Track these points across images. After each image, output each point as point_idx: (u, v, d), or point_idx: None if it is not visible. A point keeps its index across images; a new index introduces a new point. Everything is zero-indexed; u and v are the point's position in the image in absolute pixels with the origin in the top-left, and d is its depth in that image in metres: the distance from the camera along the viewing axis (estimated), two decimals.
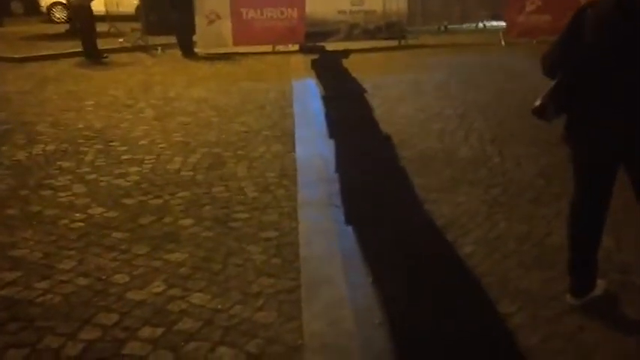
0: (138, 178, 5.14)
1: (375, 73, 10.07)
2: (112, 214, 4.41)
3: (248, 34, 12.38)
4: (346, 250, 3.85)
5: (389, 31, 13.32)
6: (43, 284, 3.41)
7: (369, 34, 13.23)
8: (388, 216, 4.39)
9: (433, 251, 3.86)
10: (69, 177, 5.18)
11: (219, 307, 3.18)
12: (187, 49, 12.08)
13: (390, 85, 8.95)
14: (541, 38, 12.81)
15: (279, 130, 6.57)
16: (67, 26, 15.77)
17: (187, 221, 4.27)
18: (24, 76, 10.01)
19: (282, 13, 12.62)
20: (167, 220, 4.29)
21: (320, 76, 9.95)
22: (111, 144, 6.12)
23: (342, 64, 11.16)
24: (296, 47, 12.88)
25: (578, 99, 2.79)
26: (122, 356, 2.78)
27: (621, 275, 3.45)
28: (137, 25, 13.78)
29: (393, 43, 13.29)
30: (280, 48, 12.65)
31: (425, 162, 5.49)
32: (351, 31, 13.13)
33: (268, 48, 12.59)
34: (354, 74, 10.03)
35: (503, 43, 13.26)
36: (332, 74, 10.33)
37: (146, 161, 5.56)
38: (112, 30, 14.13)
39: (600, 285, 3.19)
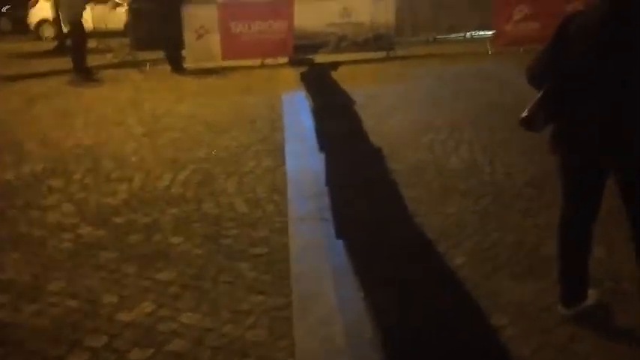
0: (127, 196, 5.12)
1: (364, 84, 10.09)
2: (101, 233, 4.38)
3: (237, 48, 12.38)
4: (337, 265, 3.83)
5: (377, 42, 13.34)
6: (32, 307, 3.37)
7: (358, 45, 13.24)
8: (379, 229, 4.37)
9: (424, 264, 3.85)
10: (57, 196, 5.15)
11: (210, 326, 3.15)
12: (176, 64, 12.06)
13: (379, 97, 8.96)
14: (529, 46, 12.90)
15: (270, 145, 6.56)
16: (55, 43, 15.73)
17: (177, 239, 4.24)
18: (12, 94, 9.96)
19: (270, 26, 12.63)
20: (156, 238, 4.27)
21: (309, 89, 9.96)
22: (100, 162, 6.09)
23: (331, 76, 11.18)
24: (285, 60, 12.89)
25: (567, 108, 2.79)
26: None
27: (613, 284, 3.45)
28: (126, 41, 13.77)
29: (382, 54, 13.34)
30: (269, 61, 12.66)
31: (415, 174, 5.49)
32: (340, 43, 13.15)
33: (257, 62, 12.60)
34: (343, 86, 10.05)
35: (489, 51, 13.32)
36: (321, 86, 10.35)
37: (135, 178, 5.54)
38: (101, 46, 14.11)
39: (592, 295, 3.18)
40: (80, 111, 8.48)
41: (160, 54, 12.41)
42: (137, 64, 12.61)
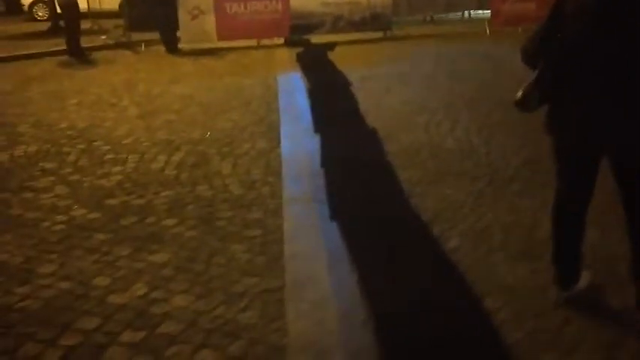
0: (121, 177, 5.08)
1: (360, 65, 10.02)
2: (94, 215, 4.35)
3: (232, 29, 12.29)
4: (331, 247, 3.81)
5: (374, 22, 13.25)
6: (24, 289, 3.35)
7: (355, 25, 13.16)
8: (374, 211, 4.35)
9: (419, 246, 3.84)
10: (51, 178, 5.11)
11: (203, 308, 3.14)
12: (171, 45, 11.98)
13: (375, 78, 8.90)
14: (526, 26, 12.80)
15: (265, 126, 6.52)
16: (49, 24, 15.56)
17: (171, 221, 4.22)
18: (6, 75, 9.88)
19: (266, 6, 12.53)
20: (150, 220, 4.24)
21: (305, 70, 9.89)
22: (94, 143, 6.05)
23: (327, 57, 11.10)
24: (281, 41, 12.80)
25: (563, 87, 2.76)
26: None
27: (606, 266, 3.43)
28: (120, 22, 13.64)
29: (379, 34, 13.24)
30: (265, 42, 12.57)
31: (411, 155, 5.46)
32: (336, 23, 13.06)
33: (253, 42, 12.52)
34: (339, 67, 9.98)
35: (488, 32, 13.23)
36: (317, 67, 10.28)
37: (129, 160, 5.50)
38: (95, 27, 13.98)
39: (585, 276, 3.17)
40: (74, 93, 8.41)
41: (154, 35, 12.31)
42: (132, 45, 12.52)
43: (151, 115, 7.11)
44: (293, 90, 8.41)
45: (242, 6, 12.42)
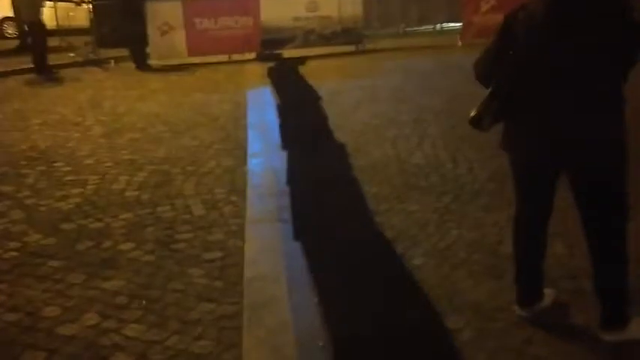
0: (80, 200, 4.93)
1: (331, 79, 9.97)
2: (49, 240, 4.20)
3: (203, 44, 12.20)
4: (292, 269, 3.71)
5: (345, 36, 13.26)
6: None
7: (326, 39, 13.15)
8: (338, 230, 4.26)
9: (382, 266, 3.75)
10: (7, 202, 4.94)
11: (155, 338, 3.01)
12: (141, 61, 11.85)
13: (346, 92, 8.86)
14: None
15: (232, 143, 6.41)
16: (17, 42, 15.32)
17: (127, 245, 4.08)
18: None
19: (236, 22, 12.48)
20: (106, 244, 4.10)
21: (276, 85, 9.82)
22: (55, 165, 5.89)
23: (298, 72, 11.05)
24: (253, 56, 12.73)
25: (515, 106, 2.70)
26: None
27: (572, 282, 3.37)
28: (90, 39, 13.46)
29: (351, 48, 13.23)
30: (236, 57, 12.48)
31: (378, 170, 5.39)
32: (308, 38, 13.04)
33: (224, 58, 12.42)
34: (310, 81, 9.92)
35: (459, 43, 13.29)
36: (288, 82, 10.21)
37: (90, 182, 5.35)
38: (64, 44, 13.78)
39: (549, 294, 3.11)
40: (38, 112, 8.23)
41: (124, 51, 12.17)
42: (101, 62, 12.35)
43: (116, 134, 6.97)
44: (262, 105, 8.32)
45: (212, 21, 12.35)
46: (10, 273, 3.74)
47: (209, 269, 3.71)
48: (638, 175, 2.90)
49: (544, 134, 2.61)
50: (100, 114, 8.01)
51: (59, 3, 15.56)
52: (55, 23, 14.15)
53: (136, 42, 11.86)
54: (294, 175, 5.42)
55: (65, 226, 4.43)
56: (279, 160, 5.87)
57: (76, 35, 14.67)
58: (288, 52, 12.86)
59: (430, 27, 15.71)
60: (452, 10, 14.71)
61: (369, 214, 4.49)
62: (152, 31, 11.88)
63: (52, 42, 12.45)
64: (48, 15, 11.90)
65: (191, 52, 12.22)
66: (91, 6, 13.82)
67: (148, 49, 12.07)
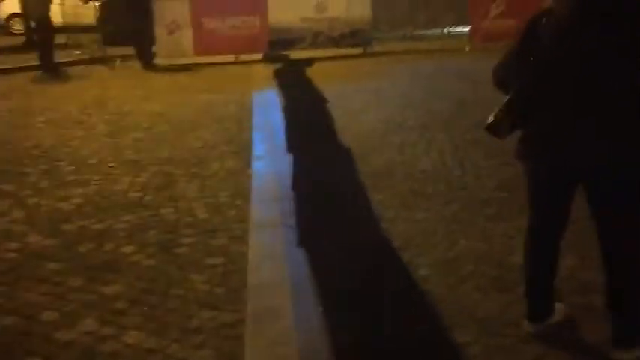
0: (81, 200, 4.87)
1: (338, 82, 9.89)
2: (49, 242, 4.14)
3: (210, 44, 12.14)
4: (296, 276, 3.63)
5: (354, 38, 13.17)
6: None
7: (334, 41, 13.06)
8: (343, 237, 4.18)
9: (388, 275, 3.66)
10: (8, 201, 4.89)
11: (154, 346, 2.93)
12: (147, 60, 11.80)
13: (352, 95, 8.78)
14: (506, 43, 12.80)
15: (236, 145, 6.34)
16: (24, 39, 15.29)
17: (129, 248, 4.02)
18: None
19: (244, 22, 12.41)
20: (107, 247, 4.04)
21: (282, 87, 9.75)
22: (58, 164, 5.83)
23: (305, 73, 10.98)
24: (260, 56, 12.66)
25: (536, 111, 2.61)
26: None
27: (582, 296, 3.29)
28: (97, 37, 13.41)
29: (358, 50, 13.15)
30: (243, 57, 12.42)
31: (384, 176, 5.31)
32: (316, 39, 12.96)
33: (231, 58, 12.36)
34: (316, 83, 9.85)
35: (467, 48, 13.20)
36: (294, 84, 10.14)
37: (93, 182, 5.29)
38: (70, 42, 13.74)
39: (559, 309, 3.02)
40: (43, 109, 8.19)
41: (130, 50, 12.13)
42: (107, 60, 12.30)
43: (120, 133, 6.91)
44: (268, 107, 8.25)
45: (220, 21, 12.29)
46: (8, 274, 3.68)
47: (211, 275, 3.64)
48: None
49: (564, 144, 2.52)
50: (104, 113, 7.97)
51: (66, 0, 15.57)
52: (61, 20, 14.11)
53: (143, 41, 11.81)
54: (299, 179, 5.34)
55: (66, 227, 4.37)
56: (284, 163, 5.80)
57: (82, 33, 14.64)
58: (295, 54, 12.79)
59: (438, 31, 15.61)
60: (460, 14, 14.60)
61: (375, 222, 4.42)
62: (159, 30, 11.83)
63: (59, 39, 12.39)
64: (55, 12, 11.85)
65: (198, 52, 12.16)
66: (97, 4, 13.79)
67: (155, 48, 12.01)
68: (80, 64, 12.21)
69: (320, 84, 9.72)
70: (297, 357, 2.86)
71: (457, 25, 15.26)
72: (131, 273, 3.68)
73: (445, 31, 15.47)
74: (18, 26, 18.35)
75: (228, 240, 4.13)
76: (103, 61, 12.30)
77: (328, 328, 3.12)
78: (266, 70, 11.44)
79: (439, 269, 3.66)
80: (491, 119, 2.72)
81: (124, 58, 12.29)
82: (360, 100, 8.43)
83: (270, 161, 5.87)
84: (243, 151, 6.11)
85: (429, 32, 15.38)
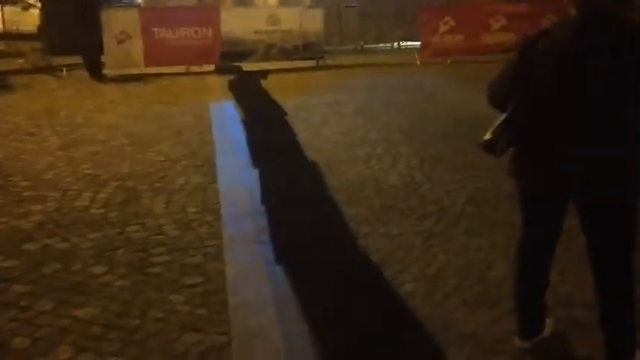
0: (41, 217, 4.62)
1: (294, 94, 9.85)
2: (11, 262, 3.89)
3: (160, 54, 11.90)
4: (278, 295, 3.53)
5: (306, 51, 13.19)
6: None
7: (287, 53, 13.05)
8: (321, 253, 4.11)
9: (372, 292, 3.61)
10: None
11: None
12: (95, 70, 11.43)
13: (311, 107, 8.75)
14: (454, 58, 13.10)
15: (199, 159, 6.19)
16: None
17: (99, 268, 3.82)
18: None
19: (196, 32, 12.23)
20: (75, 267, 3.82)
21: (238, 99, 9.63)
22: (10, 179, 5.53)
23: (260, 85, 10.89)
24: (211, 67, 12.49)
25: (533, 129, 2.62)
26: None
27: (566, 310, 3.32)
28: (38, 45, 12.90)
29: (311, 63, 13.16)
30: (195, 69, 12.21)
31: (354, 190, 5.28)
32: (268, 51, 12.90)
33: (181, 69, 12.12)
34: (273, 96, 9.78)
35: (418, 62, 13.42)
36: (251, 96, 10.04)
37: (51, 198, 5.03)
38: (11, 50, 13.20)
39: (549, 324, 3.04)
40: None
41: (77, 59, 11.73)
42: (52, 70, 11.85)
43: (74, 146, 6.63)
44: (226, 119, 8.12)
45: (171, 31, 12.05)
46: None
47: (190, 295, 3.50)
48: None
49: (560, 163, 2.54)
50: (56, 124, 7.65)
51: (6, 7, 15.00)
52: (1, 27, 13.55)
53: (90, 50, 11.43)
54: (268, 194, 5.25)
55: (28, 246, 4.13)
56: (250, 177, 5.70)
57: (23, 40, 14.10)
58: (248, 65, 12.67)
59: (387, 45, 15.84)
60: (409, 28, 14.87)
61: (351, 237, 4.36)
62: (108, 40, 11.49)
63: None
64: None
65: (148, 62, 11.89)
66: (39, 11, 13.32)
67: (103, 58, 11.65)
68: (23, 73, 11.71)
69: (277, 96, 9.66)
70: None
71: (405, 39, 15.54)
72: (103, 295, 3.50)
73: (395, 45, 15.72)
74: None
75: (203, 258, 3.99)
76: (48, 70, 11.83)
77: (317, 348, 3.04)
78: (219, 82, 11.29)
79: (423, 285, 3.63)
80: (487, 137, 2.71)
81: (71, 67, 11.87)
82: (320, 112, 8.40)
83: (235, 175, 5.75)
84: (207, 165, 5.97)
85: (379, 46, 15.59)
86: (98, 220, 4.59)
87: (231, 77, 11.68)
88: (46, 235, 4.32)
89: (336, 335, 3.16)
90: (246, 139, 7.01)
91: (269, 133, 7.39)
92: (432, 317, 3.29)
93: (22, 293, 3.50)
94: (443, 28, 13.51)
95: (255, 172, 5.81)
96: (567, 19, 2.53)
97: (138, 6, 12.78)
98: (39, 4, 13.66)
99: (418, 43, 14.11)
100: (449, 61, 12.93)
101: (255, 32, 12.66)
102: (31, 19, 15.15)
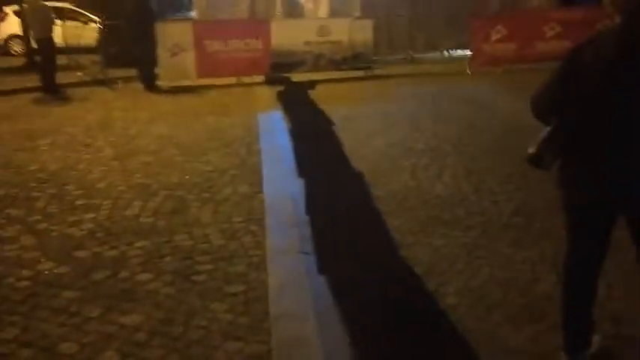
0: (93, 226, 4.78)
1: (342, 104, 9.86)
2: (62, 269, 4.03)
3: (212, 66, 12.11)
4: (320, 306, 3.54)
5: (355, 61, 13.19)
6: None
7: (336, 64, 13.07)
8: (364, 264, 4.10)
9: (414, 304, 3.58)
10: (17, 227, 4.79)
11: None
12: (149, 82, 11.73)
13: (358, 118, 8.74)
14: (506, 67, 12.86)
15: (246, 169, 6.27)
16: (24, 60, 15.23)
17: (145, 276, 3.92)
18: None
19: (246, 44, 12.40)
20: (123, 275, 3.94)
21: (287, 109, 9.71)
22: (65, 188, 5.74)
23: (308, 96, 10.95)
24: (261, 78, 12.64)
25: (579, 142, 2.55)
26: None
27: (612, 326, 3.22)
28: (97, 58, 13.35)
29: (360, 73, 13.16)
30: (245, 80, 12.39)
31: (399, 201, 5.24)
32: (317, 62, 12.96)
33: (233, 80, 12.32)
34: (321, 106, 9.82)
35: (469, 71, 13.23)
36: (299, 107, 10.11)
37: (103, 207, 5.20)
38: (72, 63, 13.69)
39: (596, 340, 2.94)
40: (46, 132, 8.10)
41: (132, 72, 12.08)
42: (109, 82, 12.24)
43: (127, 156, 6.83)
44: (274, 130, 8.20)
45: (222, 44, 12.27)
46: (23, 304, 3.58)
47: (233, 304, 3.55)
48: None
49: (606, 175, 2.47)
50: (110, 135, 7.89)
51: (67, 22, 15.57)
52: (62, 42, 14.06)
53: (146, 62, 11.76)
54: (313, 204, 5.27)
55: (79, 253, 4.27)
56: (296, 188, 5.73)
57: (83, 54, 14.61)
58: (297, 76, 12.77)
59: (437, 54, 15.67)
60: (459, 37, 14.67)
61: (395, 248, 4.34)
62: (162, 53, 11.78)
63: (60, 60, 12.32)
64: (56, 33, 11.80)
65: (200, 74, 12.13)
66: (99, 25, 13.79)
67: (157, 70, 11.96)
68: (81, 85, 12.13)
69: (324, 106, 9.69)
70: None
71: (456, 48, 15.34)
72: (149, 302, 3.59)
73: (445, 53, 15.55)
74: (16, 47, 18.35)
75: (246, 267, 4.04)
76: (105, 82, 12.22)
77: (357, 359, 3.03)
78: (268, 93, 11.41)
79: (466, 298, 3.58)
80: (532, 150, 2.66)
81: (126, 79, 12.23)
82: (367, 123, 8.39)
83: (281, 185, 5.79)
84: (254, 175, 6.03)
85: (428, 55, 15.44)
86: (147, 229, 4.71)
87: (280, 88, 11.79)
88: (96, 242, 4.46)
89: (375, 349, 3.14)
90: (292, 149, 7.06)
91: (315, 143, 7.42)
92: (474, 331, 3.23)
93: (71, 299, 3.62)
94: (495, 37, 13.29)
95: (301, 182, 5.85)
96: (612, 27, 2.46)
97: (191, 19, 13.00)
98: (98, 19, 14.17)
99: (469, 51, 13.92)
100: (500, 70, 12.70)
101: (305, 43, 12.74)
102: (91, 33, 15.68)
